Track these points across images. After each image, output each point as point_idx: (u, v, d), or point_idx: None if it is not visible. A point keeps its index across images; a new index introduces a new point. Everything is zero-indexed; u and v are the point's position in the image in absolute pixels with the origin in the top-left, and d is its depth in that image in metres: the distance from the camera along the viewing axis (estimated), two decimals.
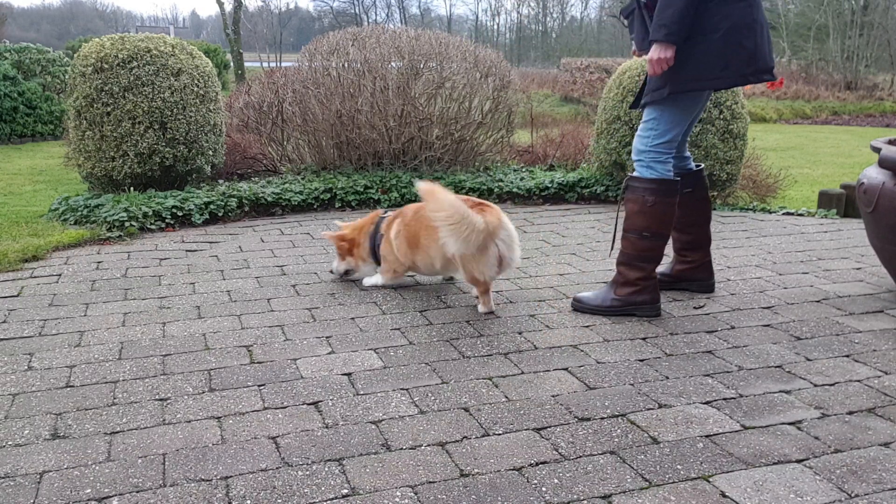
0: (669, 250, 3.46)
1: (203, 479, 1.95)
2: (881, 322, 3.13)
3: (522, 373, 2.60)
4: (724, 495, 1.89)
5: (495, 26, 56.13)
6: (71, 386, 2.48)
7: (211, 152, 5.55)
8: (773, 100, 20.87)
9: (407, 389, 2.47)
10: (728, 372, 2.62)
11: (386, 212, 3.67)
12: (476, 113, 6.42)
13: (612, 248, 3.40)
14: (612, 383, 2.53)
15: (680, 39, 2.91)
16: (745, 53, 2.96)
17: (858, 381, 2.56)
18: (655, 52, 2.93)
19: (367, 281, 3.60)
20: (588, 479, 1.96)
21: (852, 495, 1.89)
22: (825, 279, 3.73)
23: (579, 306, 3.26)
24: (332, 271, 3.72)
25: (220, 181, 5.71)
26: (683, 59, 2.96)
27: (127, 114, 5.14)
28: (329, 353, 2.77)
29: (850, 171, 9.40)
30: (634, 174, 3.16)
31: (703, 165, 3.45)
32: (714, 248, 4.34)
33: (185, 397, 2.41)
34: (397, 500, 1.86)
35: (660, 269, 3.46)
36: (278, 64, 8.52)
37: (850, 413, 2.32)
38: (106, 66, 5.15)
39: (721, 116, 5.31)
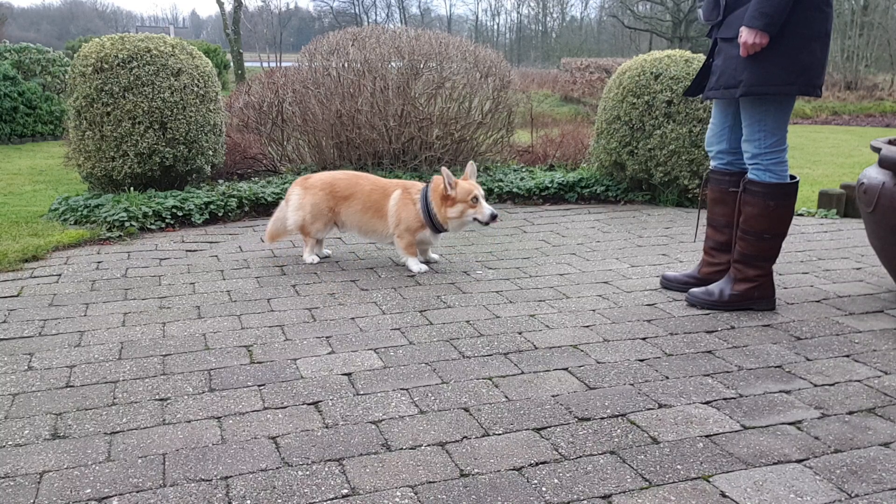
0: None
1: (203, 479, 1.94)
2: (881, 322, 3.13)
3: (522, 373, 2.60)
4: (724, 495, 1.89)
5: (495, 26, 56.17)
6: (71, 386, 2.48)
7: (211, 152, 5.55)
8: None
9: (407, 389, 2.47)
10: (728, 372, 2.62)
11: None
12: (476, 113, 6.42)
13: (695, 237, 3.97)
14: (612, 383, 2.53)
15: (776, 31, 2.90)
16: (819, 64, 3.00)
17: (858, 381, 2.56)
18: (751, 36, 2.90)
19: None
20: (588, 479, 1.96)
21: (852, 495, 1.89)
22: (825, 279, 3.73)
23: (695, 301, 3.30)
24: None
25: (220, 181, 5.71)
26: (785, 59, 2.95)
27: (127, 114, 5.14)
28: (329, 353, 2.77)
29: (850, 171, 9.40)
30: (751, 177, 3.13)
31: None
32: None
33: (185, 397, 2.41)
34: (397, 500, 1.86)
35: (687, 270, 3.56)
36: (278, 64, 8.52)
37: (850, 413, 2.32)
38: (106, 66, 5.15)
39: None
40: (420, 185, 3.88)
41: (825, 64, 3.00)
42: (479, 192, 3.70)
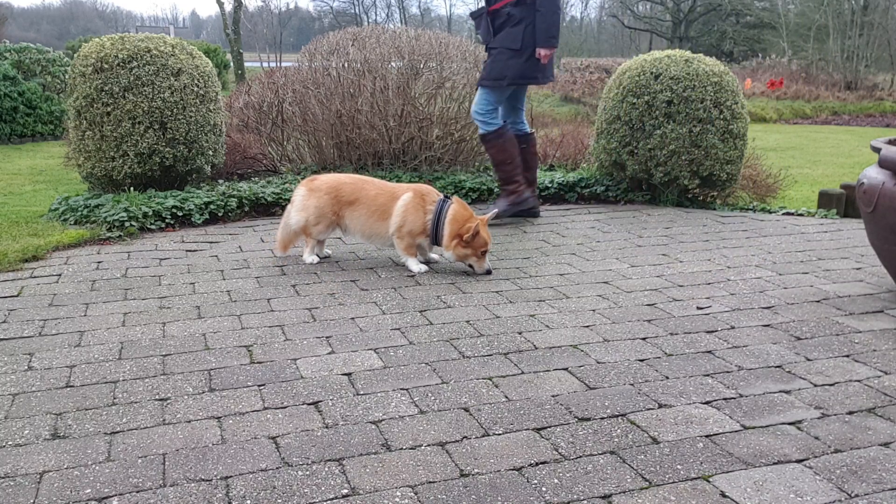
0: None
1: (203, 479, 1.95)
2: (881, 322, 3.13)
3: (522, 373, 2.60)
4: (724, 495, 1.89)
5: None
6: (71, 386, 2.48)
7: (211, 152, 5.55)
8: (773, 100, 20.86)
9: (407, 389, 2.47)
10: (728, 372, 2.62)
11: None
12: None
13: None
14: (612, 383, 2.53)
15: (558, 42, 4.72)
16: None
17: (858, 381, 2.56)
18: (547, 52, 4.65)
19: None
20: (588, 479, 1.96)
21: (852, 495, 1.89)
22: (825, 279, 3.73)
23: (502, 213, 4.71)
24: None
25: (220, 181, 5.71)
26: (520, 60, 4.67)
27: (127, 114, 5.14)
28: (329, 353, 2.77)
29: (850, 171, 9.40)
30: (481, 131, 4.89)
31: (533, 130, 5.26)
32: (714, 247, 4.34)
33: (185, 397, 2.41)
34: (397, 500, 1.86)
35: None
36: (278, 64, 8.52)
37: (850, 413, 2.32)
38: (106, 66, 5.15)
39: (721, 116, 5.31)
40: (437, 194, 3.86)
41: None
42: (489, 247, 3.76)
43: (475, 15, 4.84)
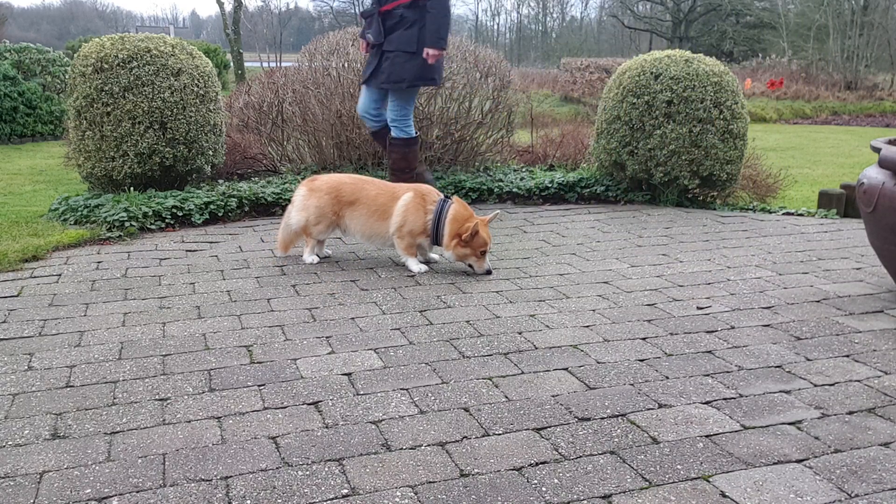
0: None
1: (203, 479, 1.95)
2: (881, 322, 3.13)
3: (522, 373, 2.60)
4: (724, 495, 1.89)
5: (495, 26, 56.18)
6: (71, 386, 2.48)
7: (211, 152, 5.55)
8: (773, 100, 20.86)
9: (407, 389, 2.47)
10: (728, 372, 2.62)
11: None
12: (476, 113, 6.42)
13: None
14: (612, 383, 2.53)
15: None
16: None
17: (858, 381, 2.56)
18: (436, 52, 4.74)
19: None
20: (588, 479, 1.96)
21: (852, 495, 1.89)
22: (825, 279, 3.73)
23: None
24: None
25: (220, 181, 5.71)
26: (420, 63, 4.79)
27: (127, 114, 5.14)
28: (329, 353, 2.77)
29: (850, 171, 9.40)
30: (393, 135, 4.98)
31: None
32: (714, 247, 4.35)
33: (185, 397, 2.41)
34: (397, 500, 1.86)
35: None
36: (278, 64, 8.51)
37: (850, 413, 2.32)
38: (106, 66, 5.14)
39: (721, 116, 5.31)
40: (437, 194, 3.86)
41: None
42: (489, 246, 3.75)
43: (366, 14, 4.89)
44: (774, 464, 2.03)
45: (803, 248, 4.36)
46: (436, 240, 3.79)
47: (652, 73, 5.39)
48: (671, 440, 2.15)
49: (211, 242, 4.44)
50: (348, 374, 2.58)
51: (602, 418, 2.28)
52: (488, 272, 3.77)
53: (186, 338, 2.92)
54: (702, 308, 3.29)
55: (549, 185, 5.72)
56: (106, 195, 5.04)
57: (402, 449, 2.10)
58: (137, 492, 1.89)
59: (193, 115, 5.32)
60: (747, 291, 3.53)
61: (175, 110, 5.23)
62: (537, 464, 2.02)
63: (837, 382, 2.54)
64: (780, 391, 2.47)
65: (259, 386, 2.49)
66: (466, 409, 2.33)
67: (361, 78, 5.07)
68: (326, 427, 2.22)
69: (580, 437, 2.17)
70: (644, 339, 2.93)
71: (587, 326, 3.06)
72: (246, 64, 22.09)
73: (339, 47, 6.40)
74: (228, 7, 22.88)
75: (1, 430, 2.20)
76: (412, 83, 4.83)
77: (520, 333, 2.98)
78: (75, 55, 5.44)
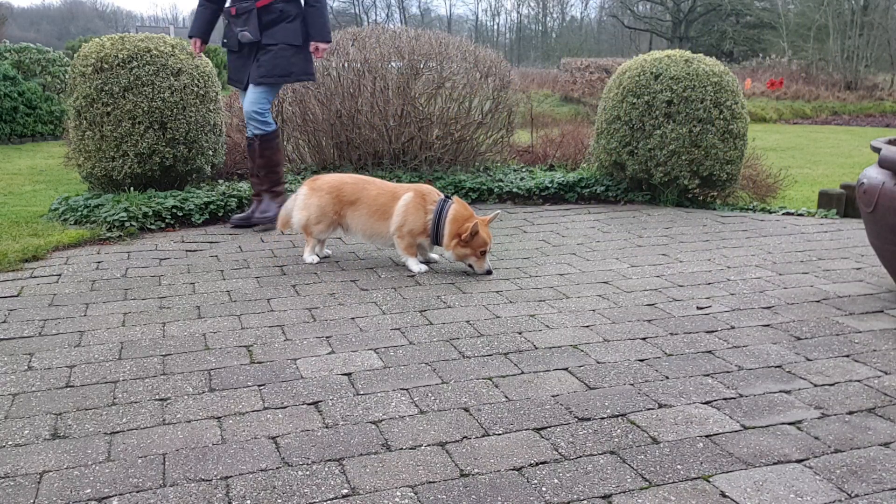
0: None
1: (203, 479, 1.95)
2: (881, 322, 3.13)
3: (522, 373, 2.60)
4: (724, 495, 1.89)
5: (495, 26, 56.21)
6: (71, 386, 2.48)
7: (211, 152, 5.55)
8: (773, 100, 20.86)
9: (407, 389, 2.47)
10: (728, 372, 2.62)
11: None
12: (476, 113, 6.42)
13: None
14: (612, 383, 2.53)
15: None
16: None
17: (858, 381, 2.56)
18: (326, 47, 4.70)
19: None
20: (588, 479, 1.96)
21: (852, 495, 1.89)
22: (825, 279, 3.73)
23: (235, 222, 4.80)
24: None
25: (220, 181, 5.71)
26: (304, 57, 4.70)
27: (127, 114, 5.14)
28: (329, 353, 2.77)
29: (850, 171, 9.40)
30: (255, 133, 4.73)
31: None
32: (714, 247, 4.35)
33: (185, 397, 2.41)
34: (397, 500, 1.86)
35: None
36: None
37: (850, 413, 2.32)
38: (106, 66, 5.14)
39: (721, 116, 5.31)
40: (437, 193, 3.87)
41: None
42: (489, 246, 3.75)
43: (241, 11, 4.58)
44: (774, 464, 2.03)
45: (803, 248, 4.36)
46: (436, 240, 3.79)
47: (652, 73, 5.39)
48: (671, 440, 2.15)
49: (211, 242, 4.44)
50: (348, 374, 2.58)
51: (602, 418, 2.28)
52: (488, 272, 3.77)
53: (186, 338, 2.92)
54: (702, 308, 3.29)
55: (549, 186, 5.73)
56: (106, 195, 5.04)
57: (402, 449, 2.10)
58: (137, 492, 1.89)
59: (193, 115, 5.32)
60: (747, 291, 3.53)
61: (175, 110, 5.23)
62: (537, 464, 2.02)
63: (837, 382, 2.54)
64: (781, 391, 2.47)
65: (259, 386, 2.49)
66: (466, 409, 2.33)
67: (230, 82, 4.84)
68: (326, 427, 2.22)
69: (580, 437, 2.17)
70: (644, 339, 2.93)
71: (587, 326, 3.06)
72: None
73: (339, 47, 6.40)
74: None
75: (1, 430, 2.20)
76: (298, 77, 4.75)
77: (520, 333, 2.98)
78: (75, 55, 5.44)
